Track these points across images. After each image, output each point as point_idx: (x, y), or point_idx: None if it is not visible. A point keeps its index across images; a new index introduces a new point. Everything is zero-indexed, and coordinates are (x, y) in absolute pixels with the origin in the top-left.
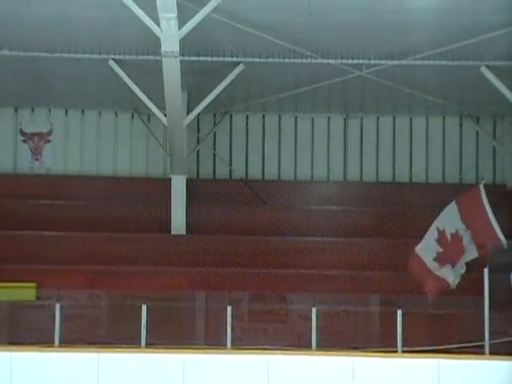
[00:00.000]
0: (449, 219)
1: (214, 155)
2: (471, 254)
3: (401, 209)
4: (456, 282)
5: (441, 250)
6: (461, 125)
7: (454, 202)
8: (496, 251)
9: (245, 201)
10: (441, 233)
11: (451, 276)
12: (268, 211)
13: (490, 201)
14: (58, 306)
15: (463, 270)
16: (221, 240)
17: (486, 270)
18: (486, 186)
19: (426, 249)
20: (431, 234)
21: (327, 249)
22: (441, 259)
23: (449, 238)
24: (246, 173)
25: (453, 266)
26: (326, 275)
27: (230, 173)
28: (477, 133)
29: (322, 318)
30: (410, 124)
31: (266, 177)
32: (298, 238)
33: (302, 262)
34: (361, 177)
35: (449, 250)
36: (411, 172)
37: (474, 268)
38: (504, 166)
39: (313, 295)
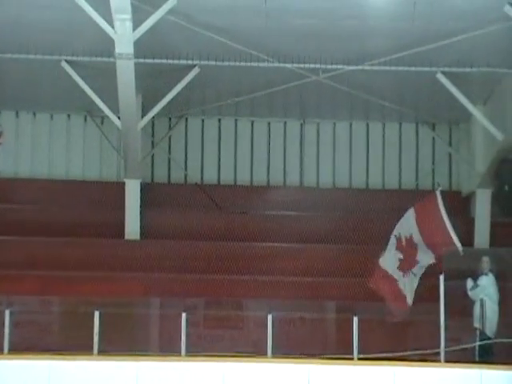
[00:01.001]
0: (405, 225)
1: (169, 159)
2: (427, 259)
3: (357, 215)
4: (411, 298)
5: (401, 256)
6: (417, 131)
7: (412, 209)
8: (451, 258)
9: (200, 206)
10: (398, 239)
11: (407, 287)
12: (223, 216)
13: (445, 207)
14: (7, 312)
15: (416, 281)
16: (176, 245)
17: (441, 277)
18: (441, 193)
19: (389, 259)
20: (391, 243)
21: (283, 255)
22: (402, 266)
23: (403, 243)
24: (202, 177)
25: (412, 273)
26: (283, 281)
27: (186, 177)
28: (433, 139)
29: (278, 325)
30: (367, 130)
31: (221, 181)
32: (254, 243)
33: (258, 268)
34: (317, 182)
35: (407, 256)
36: (367, 178)
37: (429, 274)
38: (459, 172)
39: (269, 301)
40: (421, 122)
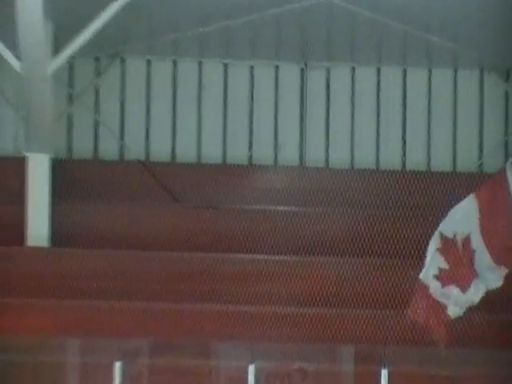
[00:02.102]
0: (461, 219)
1: (97, 122)
2: (490, 277)
3: (389, 212)
4: (458, 314)
5: (445, 265)
6: (481, 82)
7: (472, 195)
8: None
9: (144, 195)
10: (448, 241)
11: (453, 304)
12: (181, 212)
13: None
14: None
15: (474, 299)
16: (105, 256)
17: None
18: None
19: (428, 268)
20: (432, 244)
21: (273, 273)
22: (445, 277)
23: (458, 245)
24: (147, 152)
25: (462, 291)
26: (271, 313)
27: (122, 150)
28: (506, 94)
29: (264, 381)
30: (403, 78)
31: (177, 158)
32: (229, 254)
33: (235, 293)
34: (326, 160)
35: (458, 265)
36: (404, 155)
37: (497, 305)
38: None
39: (250, 344)
40: (487, 67)
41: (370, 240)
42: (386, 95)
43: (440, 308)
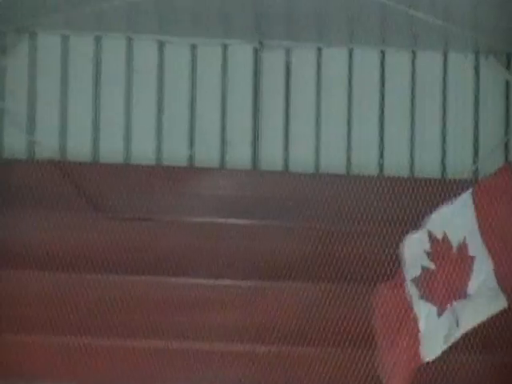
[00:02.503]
0: (455, 220)
1: (0, 112)
2: (492, 297)
3: (372, 226)
4: (436, 352)
5: (432, 265)
6: (477, 68)
7: (468, 192)
8: None
9: (59, 204)
10: (438, 242)
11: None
12: (105, 225)
13: None
14: None
15: (456, 331)
16: (14, 277)
17: None
18: None
19: (410, 267)
20: (417, 246)
21: (224, 300)
22: (426, 286)
23: (454, 250)
24: (63, 149)
25: (440, 312)
26: (222, 351)
27: (31, 147)
28: (506, 83)
29: None
30: (381, 62)
31: (101, 157)
32: (166, 278)
33: (175, 326)
34: (286, 163)
35: (450, 271)
36: (382, 158)
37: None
38: None
39: None
40: (484, 50)
41: (342, 261)
42: (360, 83)
43: (413, 338)
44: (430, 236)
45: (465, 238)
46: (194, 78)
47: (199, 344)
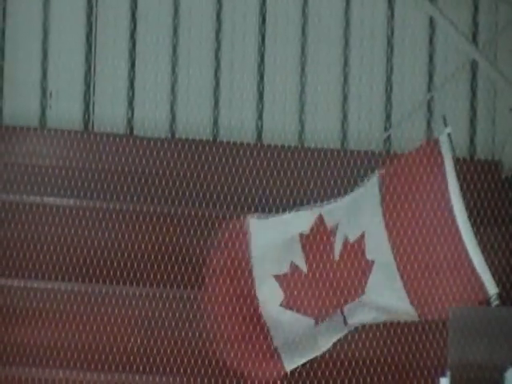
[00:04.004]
0: (354, 211)
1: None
2: (395, 304)
3: None
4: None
5: (303, 264)
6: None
7: (374, 177)
8: (468, 315)
9: None
10: (322, 231)
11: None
12: None
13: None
14: None
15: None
16: None
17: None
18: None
19: (261, 259)
20: (295, 222)
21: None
22: (294, 290)
23: (337, 250)
24: None
25: (318, 321)
26: None
27: None
28: (430, 21)
29: None
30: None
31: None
32: None
33: None
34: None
35: (325, 274)
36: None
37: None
38: (499, 121)
39: None
40: None
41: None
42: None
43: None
44: (319, 220)
45: (363, 234)
46: None
47: None
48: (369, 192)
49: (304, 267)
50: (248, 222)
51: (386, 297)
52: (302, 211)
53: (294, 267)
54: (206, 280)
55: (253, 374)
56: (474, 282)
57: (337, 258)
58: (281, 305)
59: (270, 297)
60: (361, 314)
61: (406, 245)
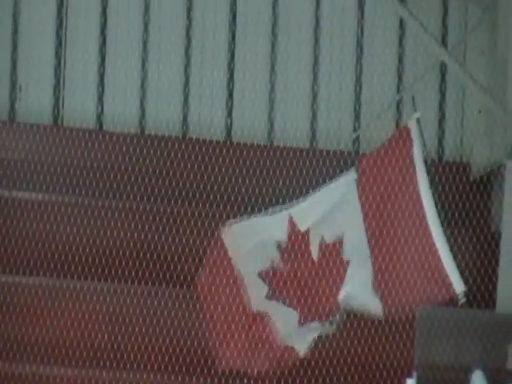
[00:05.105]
0: (329, 210)
1: None
2: (369, 303)
3: None
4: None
5: (282, 266)
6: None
7: (351, 172)
8: (435, 316)
9: None
10: (298, 234)
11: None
12: None
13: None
14: None
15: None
16: None
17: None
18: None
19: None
20: (269, 229)
21: None
22: (277, 286)
23: (315, 251)
24: None
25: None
26: None
27: None
28: (400, 21)
29: None
30: None
31: None
32: None
33: None
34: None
35: (305, 277)
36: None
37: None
38: (467, 120)
39: None
40: None
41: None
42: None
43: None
44: (291, 223)
45: (341, 234)
46: None
47: None
48: (345, 190)
49: (284, 270)
50: (222, 232)
51: (359, 295)
52: (274, 216)
53: (276, 266)
54: (199, 289)
55: (264, 369)
56: (442, 279)
57: (315, 259)
58: (266, 297)
59: (256, 292)
60: (337, 314)
61: (380, 239)
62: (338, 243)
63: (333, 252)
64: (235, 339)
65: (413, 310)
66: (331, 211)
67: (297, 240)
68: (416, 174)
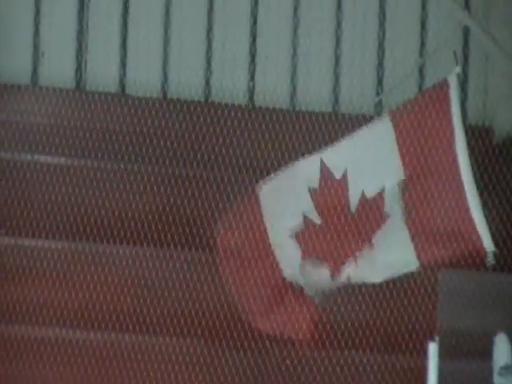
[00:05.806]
0: (366, 159)
1: None
2: (403, 260)
3: None
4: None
5: (317, 219)
6: None
7: (386, 117)
8: (458, 279)
9: None
10: (333, 182)
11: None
12: None
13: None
14: None
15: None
16: None
17: (432, 346)
18: None
19: (283, 210)
20: (298, 179)
21: None
22: (310, 242)
23: (353, 203)
24: None
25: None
26: None
27: None
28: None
29: None
30: None
31: None
32: None
33: None
34: None
35: (340, 227)
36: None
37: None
38: (490, 87)
39: None
40: None
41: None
42: None
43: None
44: (323, 168)
45: (382, 190)
46: None
47: None
48: (382, 139)
49: (318, 220)
50: (258, 188)
51: (391, 249)
52: (304, 160)
53: (308, 221)
54: (221, 253)
55: (288, 328)
56: (474, 237)
57: (353, 210)
58: (301, 259)
59: (289, 255)
60: (366, 271)
61: (414, 195)
62: (380, 198)
63: (373, 206)
64: (270, 304)
65: (446, 264)
66: (370, 161)
67: (332, 186)
68: (454, 132)
